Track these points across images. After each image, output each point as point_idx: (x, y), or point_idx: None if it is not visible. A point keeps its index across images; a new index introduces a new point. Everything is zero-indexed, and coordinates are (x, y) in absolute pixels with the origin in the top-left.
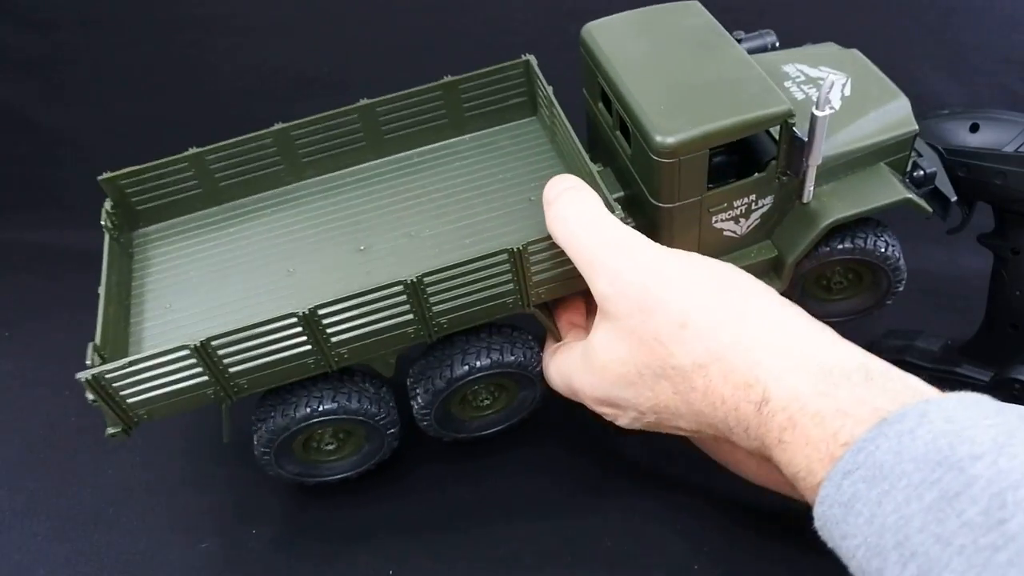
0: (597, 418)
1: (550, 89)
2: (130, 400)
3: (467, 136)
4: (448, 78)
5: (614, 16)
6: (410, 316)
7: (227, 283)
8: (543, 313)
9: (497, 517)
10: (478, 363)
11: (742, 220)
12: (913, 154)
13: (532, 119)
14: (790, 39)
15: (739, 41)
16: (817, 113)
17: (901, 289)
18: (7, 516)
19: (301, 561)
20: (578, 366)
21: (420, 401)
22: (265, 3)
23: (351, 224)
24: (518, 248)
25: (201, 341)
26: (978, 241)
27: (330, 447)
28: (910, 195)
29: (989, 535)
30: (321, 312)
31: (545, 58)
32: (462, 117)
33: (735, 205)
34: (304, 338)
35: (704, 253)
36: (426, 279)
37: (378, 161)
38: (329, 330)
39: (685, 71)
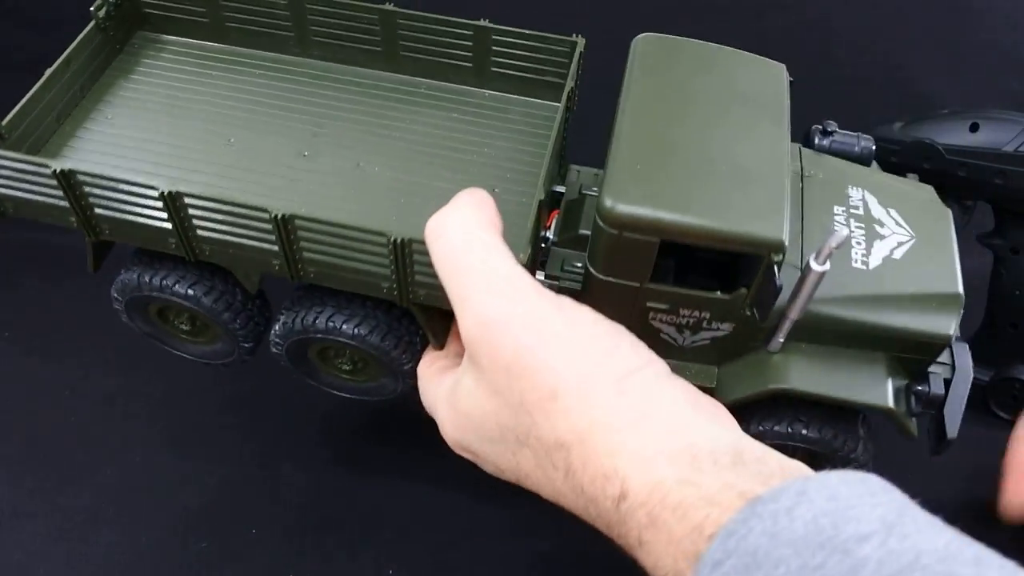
0: None
1: (571, 83)
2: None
3: (485, 91)
4: (484, 23)
5: (680, 39)
6: (274, 248)
7: (173, 122)
8: (423, 315)
9: (497, 517)
10: (342, 327)
11: (686, 332)
12: (936, 367)
13: (559, 106)
14: (781, 43)
15: (828, 132)
16: (813, 266)
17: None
18: (7, 515)
19: (301, 561)
20: (444, 400)
21: (277, 329)
22: None
23: (317, 124)
24: (400, 240)
25: (64, 169)
26: (978, 240)
27: (184, 327)
28: (893, 406)
29: None
30: (187, 200)
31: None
32: (487, 69)
33: (681, 313)
34: (165, 215)
35: None
36: (297, 221)
37: (385, 74)
38: (193, 220)
39: (701, 135)
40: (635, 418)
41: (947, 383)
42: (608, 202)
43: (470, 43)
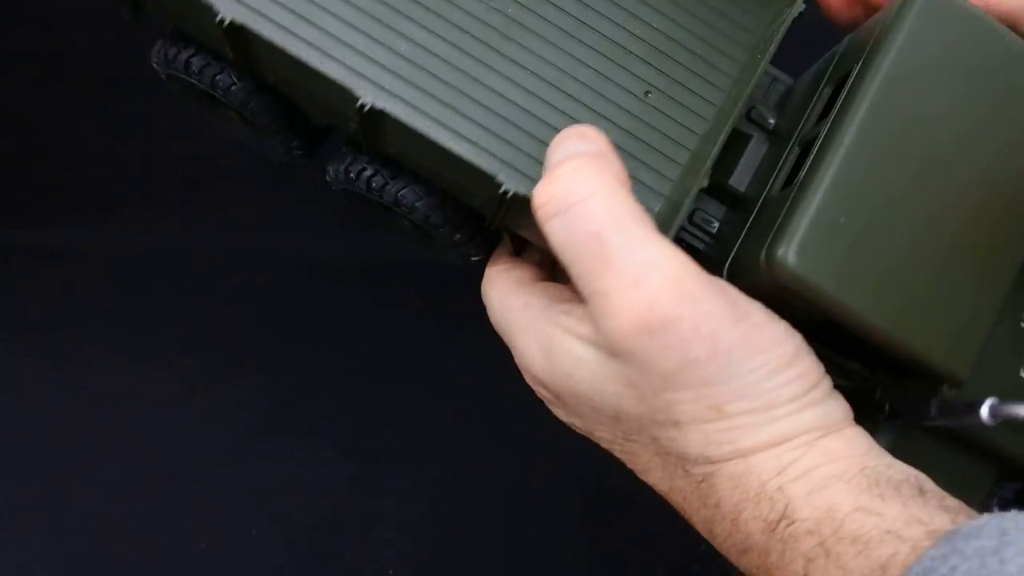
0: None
1: None
2: None
3: None
4: None
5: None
6: (353, 125)
7: None
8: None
9: (497, 517)
10: (397, 195)
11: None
12: None
13: None
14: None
15: None
16: (984, 414)
17: None
18: (6, 516)
19: (301, 562)
20: (531, 338)
21: (329, 170)
22: None
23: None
24: (511, 193)
25: None
26: None
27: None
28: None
29: None
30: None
31: None
32: None
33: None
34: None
35: None
36: (388, 120)
37: None
38: (257, 57)
39: (941, 182)
40: (812, 437)
41: None
42: (779, 250)
43: None
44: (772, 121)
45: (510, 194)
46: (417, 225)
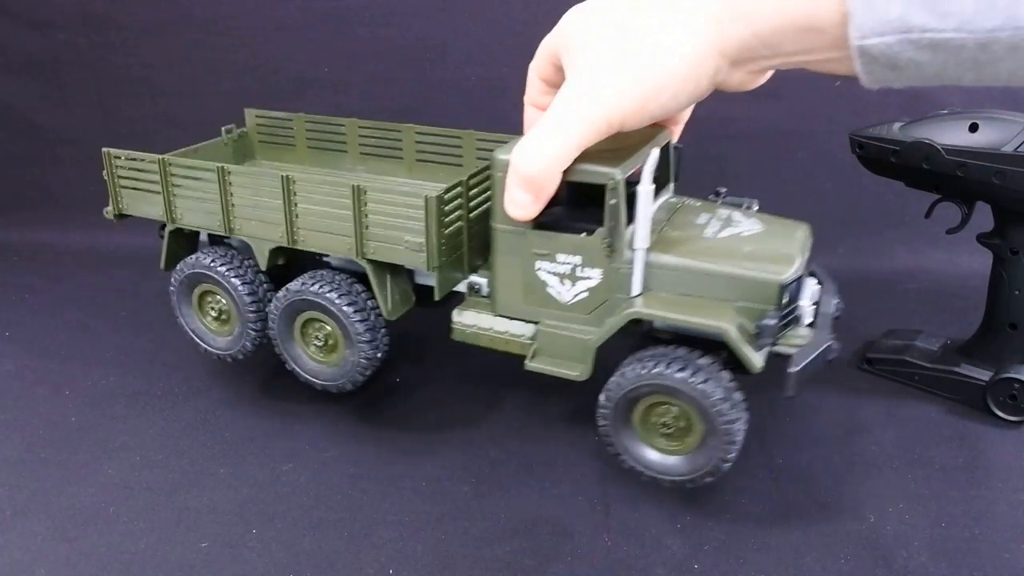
0: None
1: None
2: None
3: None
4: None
5: None
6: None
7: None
8: (379, 276)
9: (498, 517)
10: (313, 287)
11: (567, 282)
12: (777, 312)
13: None
14: None
15: (719, 193)
16: (639, 188)
17: (731, 457)
18: (7, 515)
19: (301, 561)
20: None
21: (275, 298)
22: (265, 4)
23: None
24: (359, 185)
25: (162, 157)
26: (977, 241)
27: (212, 313)
28: (730, 328)
29: None
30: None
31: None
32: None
33: (559, 259)
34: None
35: (527, 302)
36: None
37: (402, 180)
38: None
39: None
40: None
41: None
42: (495, 153)
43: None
44: None
45: (359, 185)
46: (324, 336)
